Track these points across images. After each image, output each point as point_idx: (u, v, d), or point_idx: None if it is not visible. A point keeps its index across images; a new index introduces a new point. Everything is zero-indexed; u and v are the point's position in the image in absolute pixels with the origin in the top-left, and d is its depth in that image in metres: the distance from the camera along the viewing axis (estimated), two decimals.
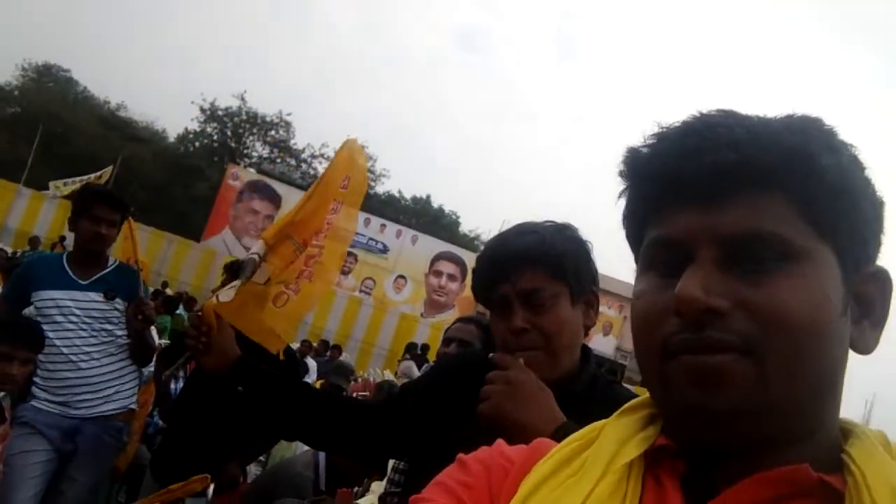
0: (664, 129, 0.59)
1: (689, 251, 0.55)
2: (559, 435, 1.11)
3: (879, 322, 0.59)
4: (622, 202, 0.64)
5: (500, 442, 0.70)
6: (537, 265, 1.29)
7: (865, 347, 0.58)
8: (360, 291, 17.61)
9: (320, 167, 34.75)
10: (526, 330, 1.27)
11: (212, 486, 3.16)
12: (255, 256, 1.70)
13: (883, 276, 0.59)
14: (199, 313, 1.61)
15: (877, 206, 0.58)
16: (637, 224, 0.62)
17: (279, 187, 20.47)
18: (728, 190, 0.54)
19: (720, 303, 0.52)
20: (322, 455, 3.24)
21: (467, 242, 31.78)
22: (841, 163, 0.55)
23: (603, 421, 0.65)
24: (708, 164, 0.54)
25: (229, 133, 34.27)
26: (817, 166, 0.54)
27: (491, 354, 1.29)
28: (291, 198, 18.23)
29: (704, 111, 0.59)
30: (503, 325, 1.31)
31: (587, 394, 1.32)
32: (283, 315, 1.75)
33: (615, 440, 0.61)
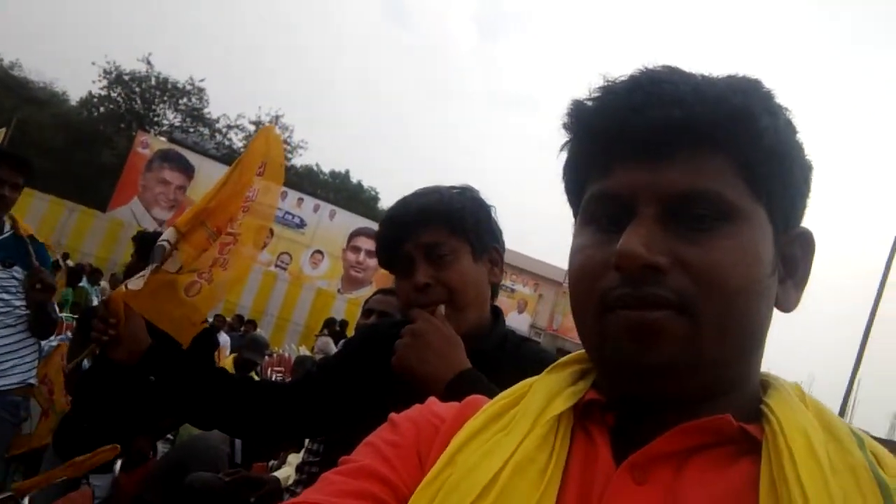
0: (610, 83, 0.59)
1: (631, 207, 0.56)
2: (461, 381, 1.14)
3: (802, 282, 0.62)
4: (563, 155, 0.64)
5: (432, 400, 0.70)
6: (437, 221, 1.31)
7: (789, 306, 0.60)
8: (276, 266, 17.24)
9: (236, 139, 33.67)
10: (429, 285, 1.29)
11: (119, 462, 3.05)
12: (166, 244, 1.63)
13: (807, 237, 0.62)
14: (106, 303, 1.54)
15: (806, 169, 0.60)
16: (578, 177, 0.63)
17: (192, 157, 19.66)
18: (672, 147, 0.55)
19: (660, 260, 0.53)
20: None
21: None
22: (778, 125, 0.57)
23: (533, 377, 0.66)
24: (654, 120, 0.54)
25: (137, 99, 32.53)
26: (758, 127, 0.55)
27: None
28: (205, 168, 17.60)
29: (650, 66, 0.59)
30: (407, 283, 1.33)
31: (497, 352, 1.35)
32: (194, 304, 1.68)
33: (544, 395, 0.61)
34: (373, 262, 17.89)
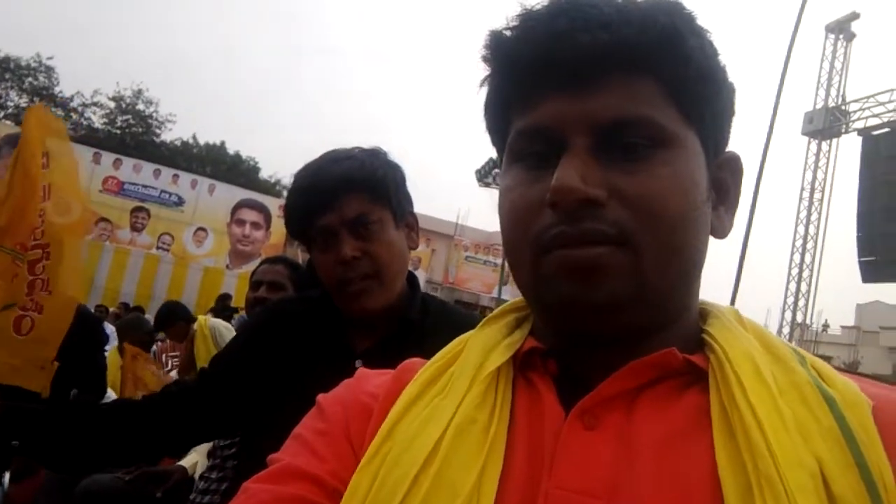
0: (529, 11, 0.55)
1: (561, 139, 0.53)
2: None
3: (732, 206, 0.60)
4: (483, 91, 0.59)
5: (361, 373, 0.66)
6: (360, 190, 1.25)
7: (723, 232, 0.59)
8: (158, 248, 16.34)
9: (95, 117, 31.31)
10: (357, 258, 1.23)
11: (7, 474, 2.87)
12: None
13: (736, 161, 0.60)
14: None
15: (731, 91, 0.58)
16: (501, 113, 0.58)
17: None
18: (600, 73, 0.52)
19: (597, 192, 0.50)
20: None
21: (269, 188, 30.58)
22: (704, 46, 0.55)
23: (467, 334, 0.63)
24: (581, 46, 0.51)
25: None
26: (686, 49, 0.53)
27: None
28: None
29: None
30: (329, 256, 1.25)
31: (422, 319, 1.32)
32: (34, 343, 1.45)
33: (480, 350, 0.58)
34: (259, 233, 17.37)
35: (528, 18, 0.55)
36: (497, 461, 0.51)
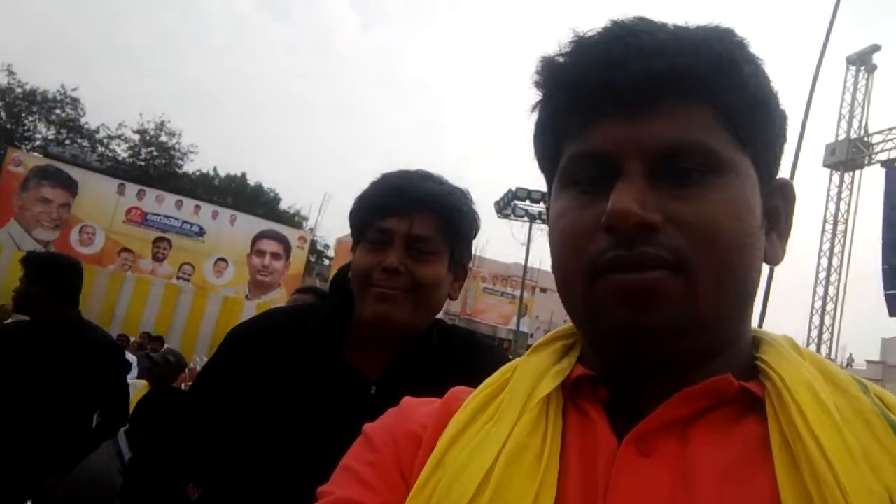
0: (582, 37, 0.55)
1: (616, 165, 0.52)
2: None
3: (785, 232, 0.60)
4: (534, 117, 0.60)
5: (407, 402, 0.65)
6: (437, 216, 1.22)
7: (776, 258, 0.58)
8: (178, 278, 16.49)
9: (119, 149, 31.89)
10: (399, 272, 1.19)
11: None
12: None
13: (788, 188, 0.60)
14: None
15: (783, 118, 0.58)
16: (554, 139, 0.58)
17: (74, 172, 18.48)
18: (655, 99, 0.52)
19: (654, 217, 0.50)
20: (124, 442, 2.97)
21: (288, 219, 30.87)
22: (758, 73, 0.55)
23: (516, 361, 0.62)
24: (636, 72, 0.51)
25: (2, 114, 30.20)
26: (741, 76, 0.53)
27: None
28: (90, 183, 16.55)
29: (622, 18, 0.55)
30: (375, 258, 1.21)
31: (441, 344, 1.29)
32: None
33: (529, 377, 0.57)
34: (279, 264, 17.47)
35: (583, 45, 0.55)
36: (550, 488, 0.50)
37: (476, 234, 1.33)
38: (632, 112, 0.53)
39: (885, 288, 15.97)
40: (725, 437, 0.51)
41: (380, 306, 1.20)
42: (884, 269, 16.01)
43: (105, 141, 32.09)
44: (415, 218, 1.21)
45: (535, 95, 0.59)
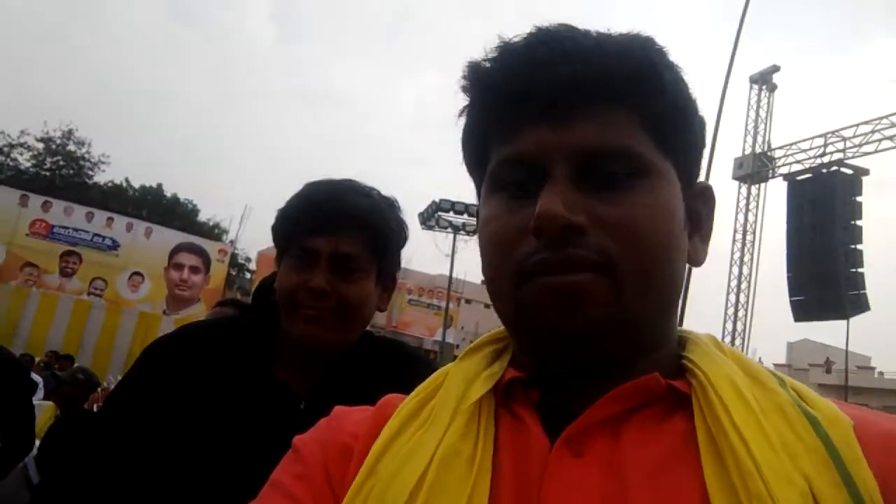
0: (508, 43, 0.56)
1: (542, 168, 0.53)
2: None
3: (706, 235, 0.62)
4: (462, 122, 0.60)
5: (339, 411, 0.64)
6: (363, 232, 1.20)
7: (698, 260, 0.60)
8: (90, 294, 15.72)
9: (22, 158, 30.25)
10: (326, 293, 1.17)
11: None
12: None
13: (709, 192, 0.62)
14: None
15: (702, 124, 0.60)
16: (481, 144, 0.59)
17: None
18: (579, 104, 0.53)
19: (581, 219, 0.51)
20: (33, 467, 2.84)
21: (208, 231, 29.99)
22: (678, 80, 0.57)
23: (447, 366, 0.62)
24: (560, 77, 0.52)
25: None
26: (662, 82, 0.55)
27: None
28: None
29: (545, 25, 0.56)
30: (300, 277, 1.19)
31: (372, 352, 1.29)
32: None
33: (460, 382, 0.58)
34: (198, 278, 16.92)
35: (508, 50, 0.55)
36: (483, 492, 0.50)
37: (405, 243, 1.31)
38: (557, 116, 0.53)
39: (791, 294, 16.89)
40: (654, 435, 0.52)
41: (307, 328, 1.18)
42: (788, 277, 16.94)
43: (5, 150, 30.37)
44: (340, 237, 1.18)
45: (463, 100, 0.59)
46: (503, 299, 0.56)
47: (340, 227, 1.18)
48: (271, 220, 1.29)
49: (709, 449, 0.49)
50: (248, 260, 34.18)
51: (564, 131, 0.53)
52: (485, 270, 0.58)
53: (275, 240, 1.28)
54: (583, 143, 0.53)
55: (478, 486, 0.50)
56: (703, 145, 0.61)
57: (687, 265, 0.59)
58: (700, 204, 0.62)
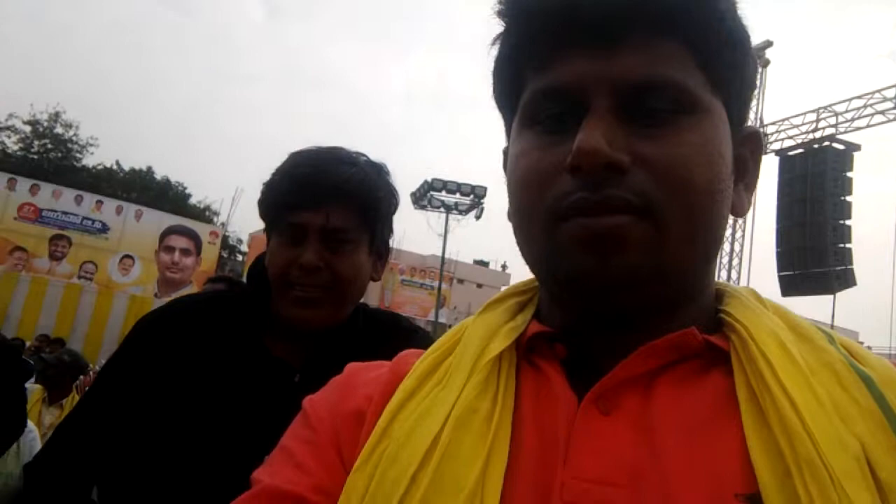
0: None
1: (582, 101, 0.48)
2: None
3: (751, 184, 0.57)
4: (494, 51, 0.55)
5: (353, 369, 0.60)
6: (352, 205, 1.15)
7: (742, 209, 0.56)
8: (80, 277, 15.60)
9: (9, 141, 29.91)
10: (319, 268, 1.13)
11: None
12: None
13: (757, 137, 0.57)
14: None
15: (755, 63, 0.55)
16: (514, 74, 0.54)
17: None
18: (625, 32, 0.48)
19: (623, 157, 0.46)
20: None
21: (198, 213, 29.87)
22: (734, 10, 0.51)
23: (467, 319, 0.58)
24: (607, 2, 0.47)
25: None
26: (716, 11, 0.49)
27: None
28: None
29: None
30: (290, 253, 1.15)
31: (367, 328, 1.26)
32: None
33: (480, 336, 0.54)
34: (189, 260, 16.85)
35: None
36: (502, 452, 0.47)
37: (396, 209, 1.27)
38: (600, 45, 0.49)
39: (779, 269, 16.98)
40: (690, 393, 0.48)
41: (301, 311, 1.15)
42: (777, 252, 17.02)
43: None
44: (329, 210, 1.14)
45: (497, 26, 0.54)
46: (533, 243, 0.52)
47: (328, 200, 1.14)
48: None
49: (750, 408, 0.45)
50: (240, 242, 34.07)
51: (608, 61, 0.48)
52: (513, 212, 0.54)
53: (262, 216, 1.24)
54: (628, 75, 0.48)
55: (496, 447, 0.47)
56: (755, 87, 0.56)
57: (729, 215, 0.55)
58: (747, 150, 0.57)
